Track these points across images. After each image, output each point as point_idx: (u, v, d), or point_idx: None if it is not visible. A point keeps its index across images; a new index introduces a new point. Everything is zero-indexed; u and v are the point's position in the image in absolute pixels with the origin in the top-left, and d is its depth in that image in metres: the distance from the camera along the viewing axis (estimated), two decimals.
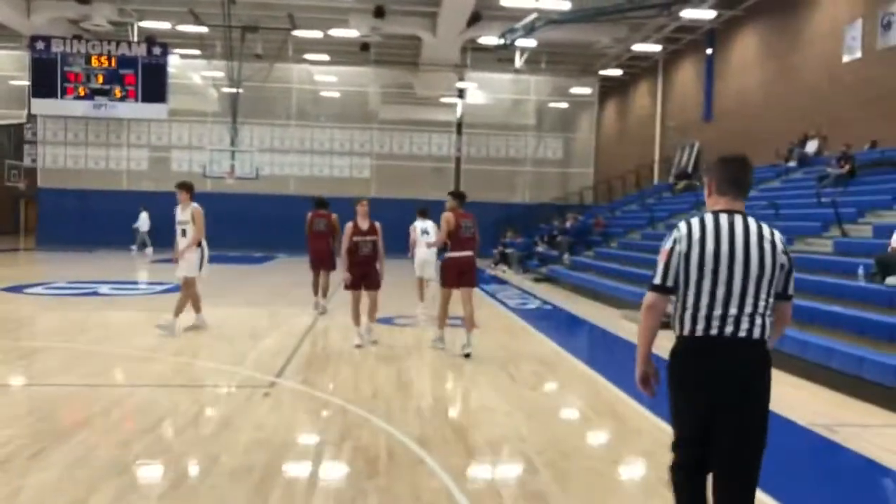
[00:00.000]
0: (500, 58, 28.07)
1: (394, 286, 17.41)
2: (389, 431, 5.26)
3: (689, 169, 24.77)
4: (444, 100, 30.70)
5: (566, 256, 19.94)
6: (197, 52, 27.72)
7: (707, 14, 21.92)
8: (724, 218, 2.86)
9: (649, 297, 2.94)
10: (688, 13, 21.53)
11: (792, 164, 18.24)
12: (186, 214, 9.18)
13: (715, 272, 2.80)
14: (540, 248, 22.42)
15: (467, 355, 8.02)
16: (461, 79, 30.01)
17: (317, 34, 25.13)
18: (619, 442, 5.18)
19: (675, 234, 2.92)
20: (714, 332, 2.79)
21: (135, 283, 16.61)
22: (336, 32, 24.64)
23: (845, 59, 17.78)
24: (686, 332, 2.86)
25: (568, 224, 21.95)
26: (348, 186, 28.17)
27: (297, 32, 25.00)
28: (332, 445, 4.92)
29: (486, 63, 29.28)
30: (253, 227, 27.12)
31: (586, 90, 31.41)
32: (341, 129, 30.08)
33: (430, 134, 30.76)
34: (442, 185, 30.01)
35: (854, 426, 5.61)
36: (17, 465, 4.35)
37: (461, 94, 30.56)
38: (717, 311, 2.79)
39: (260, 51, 26.33)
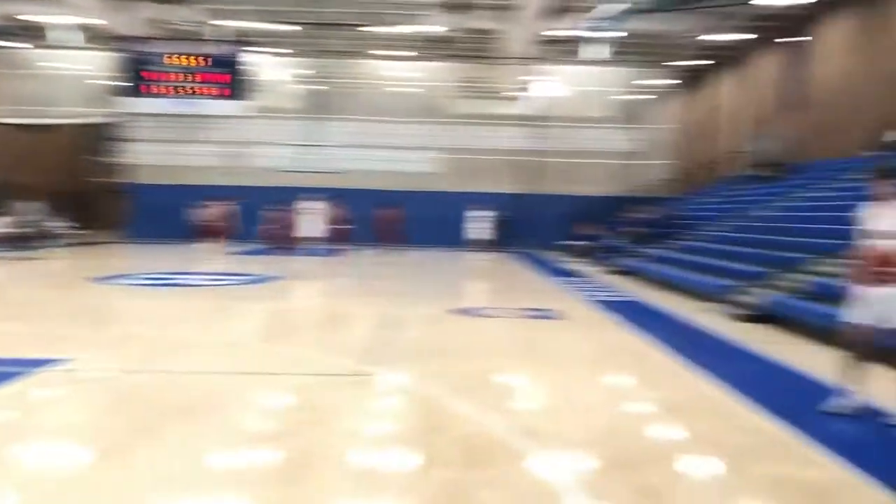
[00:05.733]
0: (578, 49, 27.68)
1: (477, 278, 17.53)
2: (492, 423, 5.28)
3: (771, 159, 24.01)
4: (517, 93, 30.57)
5: (647, 249, 19.62)
6: (277, 49, 28.44)
7: (794, 0, 21.16)
8: None
9: None
10: (773, 1, 20.88)
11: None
12: None
13: None
14: (620, 241, 22.16)
15: None
16: (536, 72, 29.72)
17: (397, 30, 25.37)
18: (728, 440, 5.08)
19: None
20: None
21: (221, 273, 17.14)
22: (416, 28, 24.85)
23: None
24: None
25: (649, 216, 21.57)
26: (422, 181, 28.58)
27: (376, 28, 25.27)
28: (437, 434, 5.00)
29: (562, 55, 28.86)
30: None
31: (666, 81, 30.71)
32: (419, 124, 30.24)
33: (504, 127, 30.59)
34: (517, 178, 29.67)
35: None
36: (121, 452, 4.51)
37: (536, 86, 30.26)
38: None
39: (339, 48, 26.80)
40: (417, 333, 9.29)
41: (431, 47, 27.86)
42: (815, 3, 21.37)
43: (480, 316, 10.81)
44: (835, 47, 21.35)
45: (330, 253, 22.25)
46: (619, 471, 4.38)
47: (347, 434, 5.03)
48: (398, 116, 30.21)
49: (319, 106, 28.92)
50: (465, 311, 11.14)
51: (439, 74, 30.06)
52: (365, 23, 24.93)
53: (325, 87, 28.75)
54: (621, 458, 4.60)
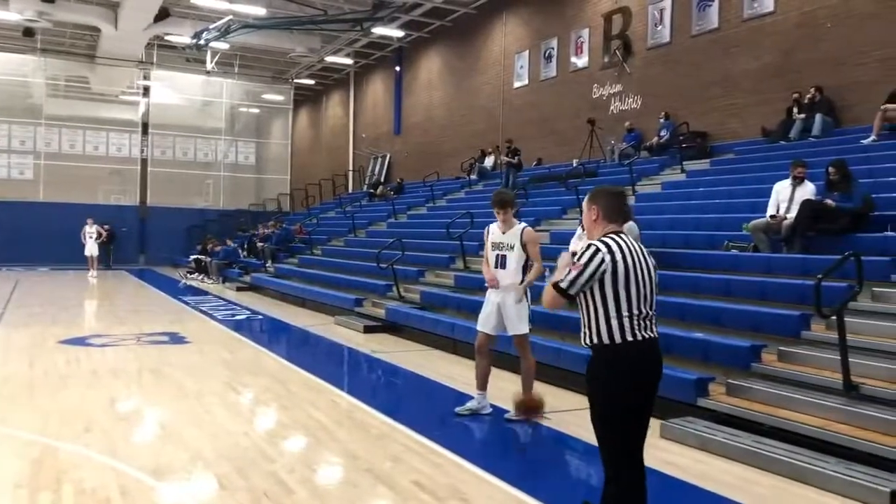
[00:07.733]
0: (190, 58, 26.85)
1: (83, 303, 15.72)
2: (117, 467, 4.76)
3: (381, 179, 26.02)
4: (125, 97, 28.40)
5: (269, 264, 19.65)
6: None
7: (396, 33, 23.29)
8: (620, 239, 3.23)
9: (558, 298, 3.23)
10: (378, 30, 22.69)
11: (473, 177, 20.09)
12: None
13: (636, 282, 3.18)
14: (246, 256, 21.81)
15: None
16: (146, 77, 28.04)
17: None
18: (366, 450, 5.28)
19: (594, 252, 3.16)
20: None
21: None
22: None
23: (515, 84, 20.14)
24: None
25: (269, 231, 21.63)
26: (8, 189, 24.94)
27: None
28: (49, 492, 4.31)
29: (174, 62, 27.77)
30: None
31: (280, 97, 31.33)
32: (5, 124, 26.23)
33: (109, 133, 28.15)
34: (124, 188, 27.79)
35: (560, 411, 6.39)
36: None
37: (146, 92, 28.49)
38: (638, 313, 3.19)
39: None
40: (16, 370, 7.93)
41: (16, 37, 24.35)
42: (415, 37, 23.82)
43: (98, 345, 9.68)
44: (433, 78, 24.01)
45: None
46: (269, 500, 4.26)
47: None
48: None
49: None
50: (80, 340, 9.90)
51: (26, 69, 26.34)
52: None
53: None
54: (267, 484, 4.48)
